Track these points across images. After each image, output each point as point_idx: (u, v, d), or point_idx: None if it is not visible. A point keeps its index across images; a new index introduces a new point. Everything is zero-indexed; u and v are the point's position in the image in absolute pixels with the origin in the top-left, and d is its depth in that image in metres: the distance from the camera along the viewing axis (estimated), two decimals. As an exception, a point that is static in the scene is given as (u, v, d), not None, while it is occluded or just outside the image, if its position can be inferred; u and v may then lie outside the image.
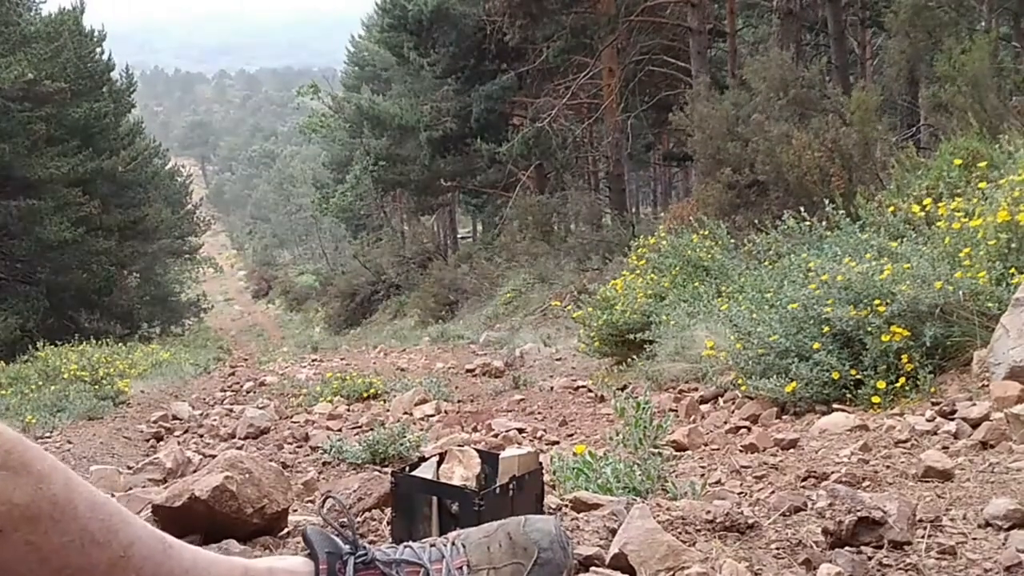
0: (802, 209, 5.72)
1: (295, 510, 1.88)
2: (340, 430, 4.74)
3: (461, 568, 1.08)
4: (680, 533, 1.50)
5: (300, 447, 4.29)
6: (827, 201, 5.47)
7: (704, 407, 4.12)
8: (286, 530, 1.61)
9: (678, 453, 3.07)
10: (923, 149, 9.02)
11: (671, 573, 1.28)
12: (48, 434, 5.11)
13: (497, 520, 1.16)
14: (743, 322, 4.15)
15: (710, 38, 15.27)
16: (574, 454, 2.43)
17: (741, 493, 2.29)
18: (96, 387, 7.53)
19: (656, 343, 5.40)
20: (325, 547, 1.06)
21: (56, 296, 18.48)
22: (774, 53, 9.91)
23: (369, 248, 27.89)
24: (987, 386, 2.84)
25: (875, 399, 3.21)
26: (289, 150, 59.90)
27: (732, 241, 6.68)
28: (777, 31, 12.70)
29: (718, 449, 3.14)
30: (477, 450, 1.59)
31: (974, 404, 2.68)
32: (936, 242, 3.94)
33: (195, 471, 2.30)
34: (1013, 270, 3.32)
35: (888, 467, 2.27)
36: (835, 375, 3.38)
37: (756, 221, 7.19)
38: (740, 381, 3.90)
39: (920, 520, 1.52)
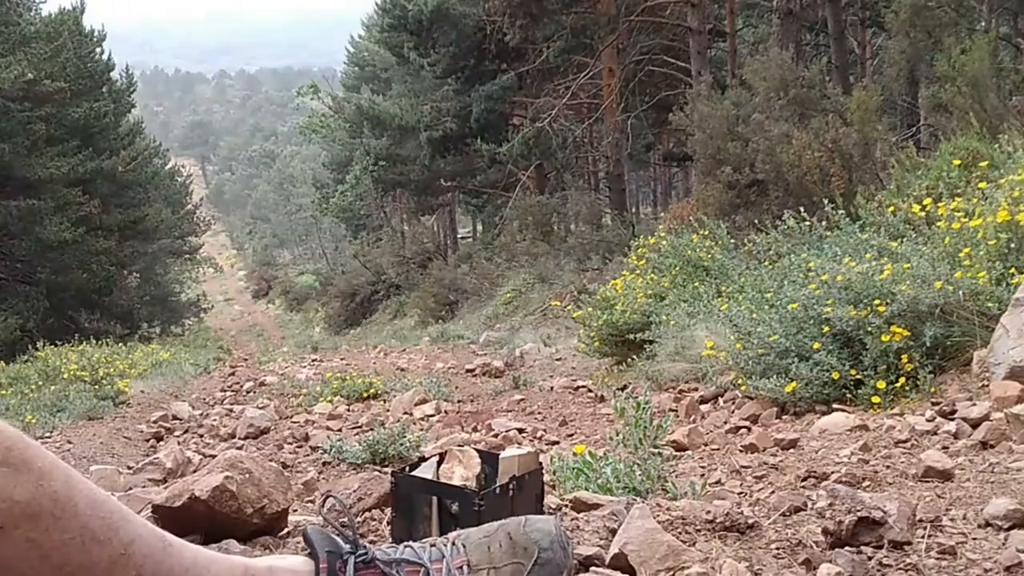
0: (802, 209, 5.72)
1: (295, 510, 1.88)
2: (340, 430, 4.74)
3: (461, 568, 1.08)
4: (680, 533, 1.50)
5: (300, 447, 4.29)
6: (827, 201, 5.47)
7: (704, 407, 4.12)
8: (286, 530, 1.61)
9: (678, 453, 3.07)
10: (923, 149, 9.02)
11: (671, 573, 1.28)
12: (48, 434, 5.11)
13: (497, 520, 1.16)
14: (743, 322, 4.15)
15: (710, 38, 15.27)
16: (574, 454, 2.43)
17: (741, 493, 2.29)
18: (96, 387, 7.53)
19: (656, 343, 5.40)
20: (326, 546, 1.06)
21: (56, 296, 18.47)
22: (774, 53, 9.91)
23: (369, 248, 27.89)
24: (987, 386, 2.84)
25: (875, 399, 3.21)
26: (289, 150, 59.91)
27: (732, 241, 6.68)
28: (777, 31, 12.69)
29: (718, 449, 3.14)
30: (477, 450, 1.59)
31: (974, 404, 2.68)
32: (936, 242, 3.94)
33: (195, 471, 2.30)
34: (1013, 270, 3.32)
35: (888, 467, 2.27)
36: (835, 375, 3.38)
37: (756, 221, 7.19)
38: (740, 381, 3.90)
39: (920, 520, 1.52)
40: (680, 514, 1.59)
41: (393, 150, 21.54)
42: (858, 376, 3.35)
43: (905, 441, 2.55)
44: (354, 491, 1.89)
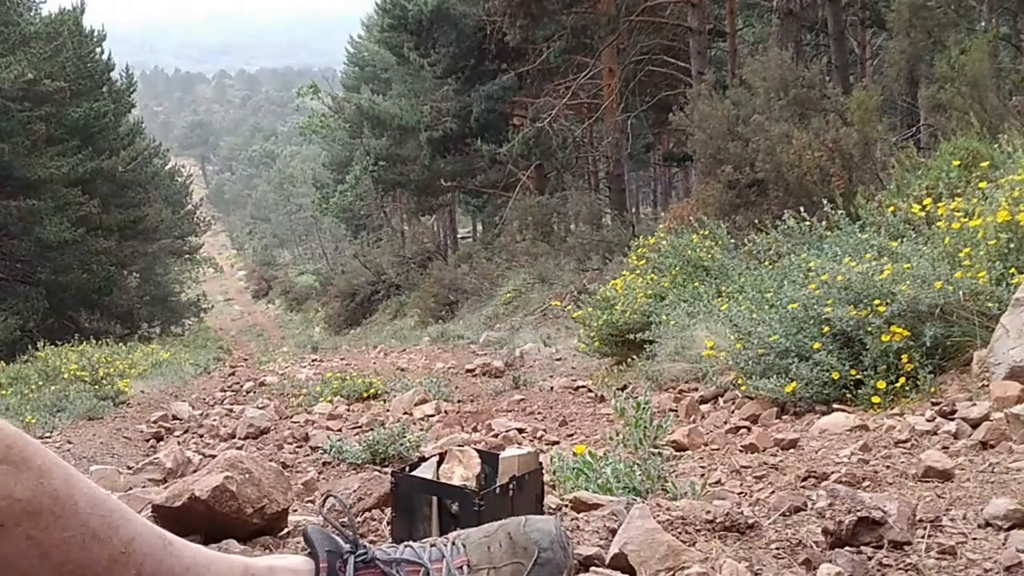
0: (802, 209, 5.73)
1: (295, 510, 1.88)
2: (340, 430, 4.74)
3: (461, 568, 1.08)
4: (680, 533, 1.50)
5: (300, 447, 4.29)
6: (827, 201, 5.47)
7: (704, 407, 4.12)
8: (286, 530, 1.61)
9: (678, 453, 3.07)
10: (923, 149, 9.02)
11: (671, 573, 1.28)
12: (48, 434, 5.11)
13: (497, 520, 1.16)
14: (743, 322, 4.15)
15: (710, 38, 15.28)
16: (574, 454, 2.43)
17: (741, 493, 2.29)
18: (96, 387, 7.53)
19: (656, 343, 5.40)
20: (326, 546, 1.06)
21: (56, 296, 18.47)
22: (774, 53, 9.91)
23: (369, 248, 27.89)
24: (987, 386, 2.84)
25: (875, 399, 3.21)
26: (289, 150, 59.91)
27: (732, 241, 6.68)
28: (777, 31, 12.69)
29: (718, 449, 3.14)
30: (477, 450, 1.59)
31: (974, 404, 2.68)
32: (936, 242, 3.94)
33: (195, 471, 2.30)
34: (1013, 270, 3.32)
35: (888, 467, 2.27)
36: (835, 375, 3.38)
37: (756, 221, 7.19)
38: (740, 381, 3.90)
39: (920, 520, 1.52)
40: (680, 514, 1.59)
41: (393, 150, 21.54)
42: (858, 376, 3.35)
43: (905, 441, 2.55)
44: (354, 491, 1.89)
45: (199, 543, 1.08)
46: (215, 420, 5.53)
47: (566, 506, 1.78)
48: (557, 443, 3.94)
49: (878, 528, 1.41)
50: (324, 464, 3.59)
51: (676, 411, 4.07)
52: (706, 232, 6.82)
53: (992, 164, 4.96)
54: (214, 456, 2.40)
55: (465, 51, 19.30)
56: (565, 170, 19.97)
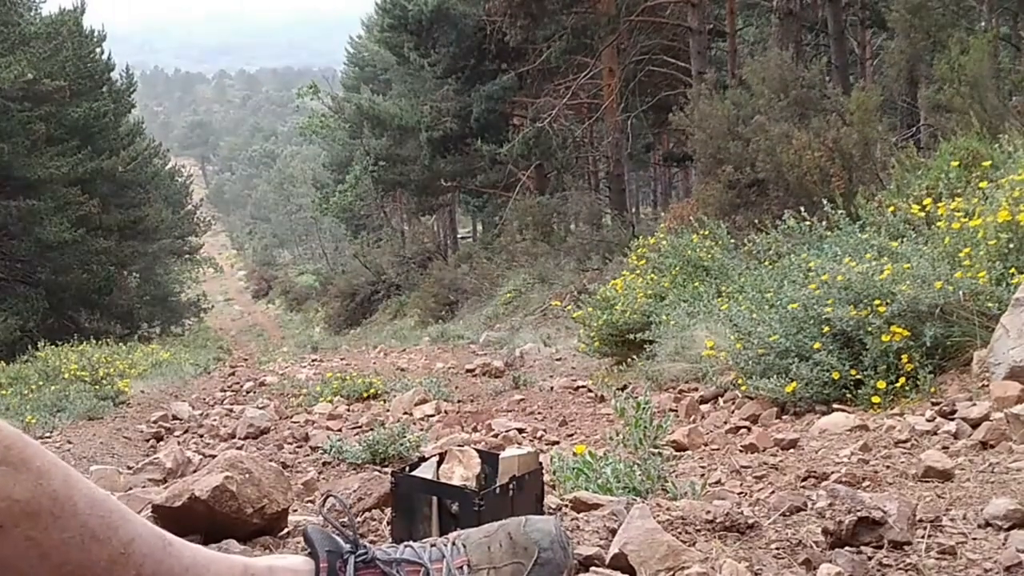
0: (802, 209, 5.73)
1: (295, 510, 1.88)
2: (340, 430, 4.74)
3: (461, 568, 1.08)
4: (680, 533, 1.50)
5: (300, 447, 4.29)
6: (827, 201, 5.47)
7: (704, 407, 4.12)
8: (286, 530, 1.61)
9: (678, 453, 3.07)
10: (923, 149, 9.01)
11: (671, 573, 1.28)
12: (48, 434, 5.11)
13: (497, 520, 1.16)
14: (743, 322, 4.15)
15: (710, 38, 15.28)
16: (574, 454, 2.43)
17: (741, 493, 2.29)
18: (96, 387, 7.53)
19: (656, 343, 5.40)
20: (326, 546, 1.06)
21: (56, 296, 18.47)
22: (774, 53, 9.91)
23: (369, 248, 27.89)
24: (987, 386, 2.84)
25: (875, 399, 3.21)
26: (289, 150, 59.91)
27: (732, 241, 6.68)
28: (777, 31, 12.69)
29: (718, 449, 3.14)
30: (477, 450, 1.59)
31: (974, 404, 2.68)
32: (936, 242, 3.94)
33: (195, 471, 2.30)
34: (1013, 270, 3.32)
35: (888, 467, 2.27)
36: (835, 375, 3.38)
37: (756, 221, 7.19)
38: (740, 381, 3.90)
39: (920, 520, 1.52)
40: (680, 514, 1.59)
41: (393, 150, 21.54)
42: (858, 376, 3.35)
43: (905, 441, 2.55)
44: (354, 491, 1.89)
45: (199, 543, 1.08)
46: (215, 420, 5.53)
47: (566, 506, 1.78)
48: (557, 443, 3.94)
49: (878, 528, 1.41)
50: (324, 464, 3.59)
51: (676, 411, 4.07)
52: (706, 232, 6.82)
53: (992, 164, 4.96)
54: (214, 456, 2.40)
55: (465, 51, 19.31)
56: (565, 170, 19.97)
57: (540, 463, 1.61)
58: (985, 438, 2.31)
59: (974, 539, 1.46)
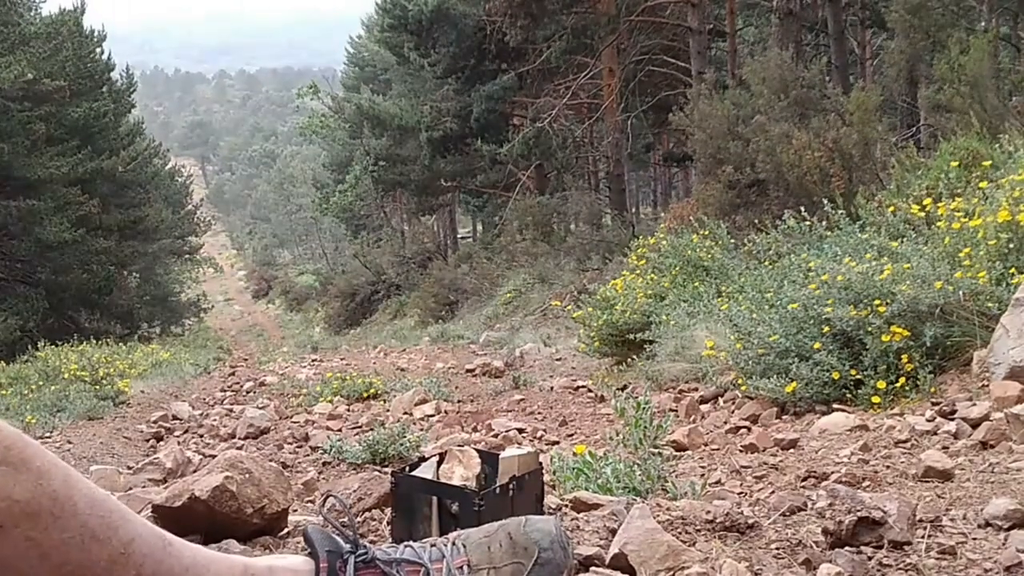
0: (802, 209, 5.73)
1: (295, 510, 1.88)
2: (340, 430, 4.74)
3: (461, 568, 1.08)
4: (680, 533, 1.50)
5: (300, 447, 4.29)
6: (827, 201, 5.47)
7: (704, 407, 4.12)
8: (286, 530, 1.61)
9: (678, 453, 3.07)
10: (923, 149, 9.02)
11: (671, 573, 1.28)
12: (48, 434, 5.11)
13: (497, 520, 1.16)
14: (743, 322, 4.15)
15: (710, 38, 15.28)
16: (574, 454, 2.43)
17: (741, 493, 2.29)
18: (96, 387, 7.53)
19: (656, 343, 5.40)
20: (326, 546, 1.06)
21: (56, 296, 18.47)
22: (774, 53, 9.91)
23: (369, 248, 27.89)
24: (987, 386, 2.84)
25: (875, 399, 3.21)
26: (289, 150, 59.91)
27: (732, 241, 6.68)
28: (777, 31, 12.69)
29: (718, 449, 3.14)
30: (477, 450, 1.59)
31: (974, 404, 2.68)
32: (936, 242, 3.94)
33: (195, 471, 2.30)
34: (1013, 270, 3.32)
35: (888, 467, 2.27)
36: (835, 375, 3.38)
37: (756, 221, 7.19)
38: (740, 381, 3.90)
39: (920, 520, 1.52)
40: (680, 514, 1.59)
41: (393, 150, 21.54)
42: (858, 376, 3.35)
43: (905, 441, 2.55)
44: (354, 491, 1.89)
45: (199, 543, 1.08)
46: (215, 420, 5.53)
47: (566, 506, 1.78)
48: (557, 443, 3.94)
49: (878, 528, 1.41)
50: (324, 464, 3.59)
51: (676, 411, 4.07)
52: (706, 232, 6.82)
53: (992, 164, 4.96)
54: (214, 456, 2.40)
55: (465, 51, 19.30)
56: (565, 170, 19.97)
57: (540, 463, 1.61)
58: (985, 438, 2.31)
59: (974, 539, 1.46)
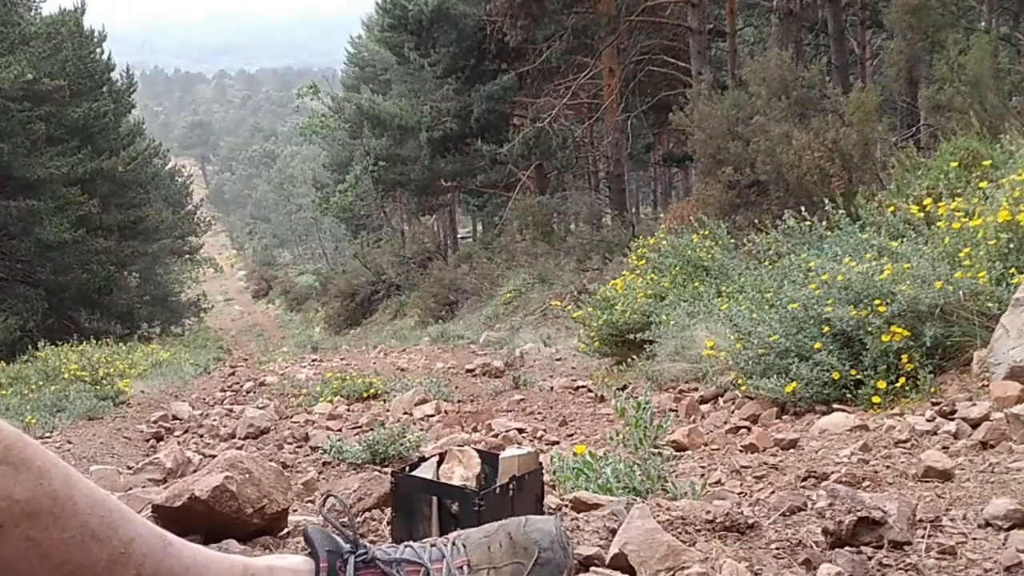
0: (802, 209, 5.73)
1: (295, 510, 1.88)
2: (340, 430, 4.74)
3: (462, 568, 1.08)
4: (680, 533, 1.50)
5: (300, 447, 4.29)
6: (827, 201, 5.47)
7: (704, 407, 4.12)
8: (286, 530, 1.61)
9: (678, 453, 3.07)
10: (923, 149, 9.01)
11: (671, 573, 1.28)
12: (48, 434, 5.11)
13: (497, 520, 1.16)
14: (743, 322, 4.15)
15: (710, 38, 15.28)
16: (574, 454, 2.43)
17: (741, 493, 2.29)
18: (96, 387, 7.53)
19: (656, 343, 5.40)
20: (326, 546, 1.06)
21: (56, 296, 18.47)
22: (774, 53, 9.90)
23: (369, 248, 27.88)
24: (987, 386, 2.84)
25: (875, 399, 3.21)
26: (289, 150, 59.91)
27: (732, 241, 6.68)
28: (777, 31, 12.69)
29: (718, 449, 3.14)
30: (477, 450, 1.59)
31: (974, 404, 2.68)
32: (936, 242, 3.94)
33: (195, 471, 2.30)
34: (1013, 270, 3.32)
35: (888, 467, 2.27)
36: (835, 375, 3.38)
37: (756, 221, 7.19)
38: (740, 381, 3.90)
39: (920, 520, 1.52)
40: (680, 514, 1.59)
41: (393, 150, 21.54)
42: (858, 376, 3.35)
43: (905, 441, 2.55)
44: (354, 491, 1.89)
45: (199, 543, 1.08)
46: (215, 420, 5.53)
47: (566, 506, 1.78)
48: (557, 443, 3.94)
49: (878, 528, 1.41)
50: (324, 464, 3.59)
51: (676, 411, 4.07)
52: (706, 232, 6.82)
53: (992, 164, 4.96)
54: (214, 456, 2.40)
55: (465, 51, 19.30)
56: (565, 170, 19.97)
57: (540, 463, 1.61)
58: (985, 438, 2.31)
59: (974, 539, 1.46)
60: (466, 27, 18.84)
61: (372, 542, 1.54)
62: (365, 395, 6.06)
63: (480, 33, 18.17)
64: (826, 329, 3.54)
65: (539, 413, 4.98)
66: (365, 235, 30.78)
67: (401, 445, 3.45)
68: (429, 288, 19.11)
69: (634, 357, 5.68)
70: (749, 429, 3.42)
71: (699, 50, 14.10)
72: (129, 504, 1.14)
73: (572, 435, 4.17)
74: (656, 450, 2.27)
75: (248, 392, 7.24)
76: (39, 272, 18.37)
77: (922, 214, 4.55)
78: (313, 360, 10.72)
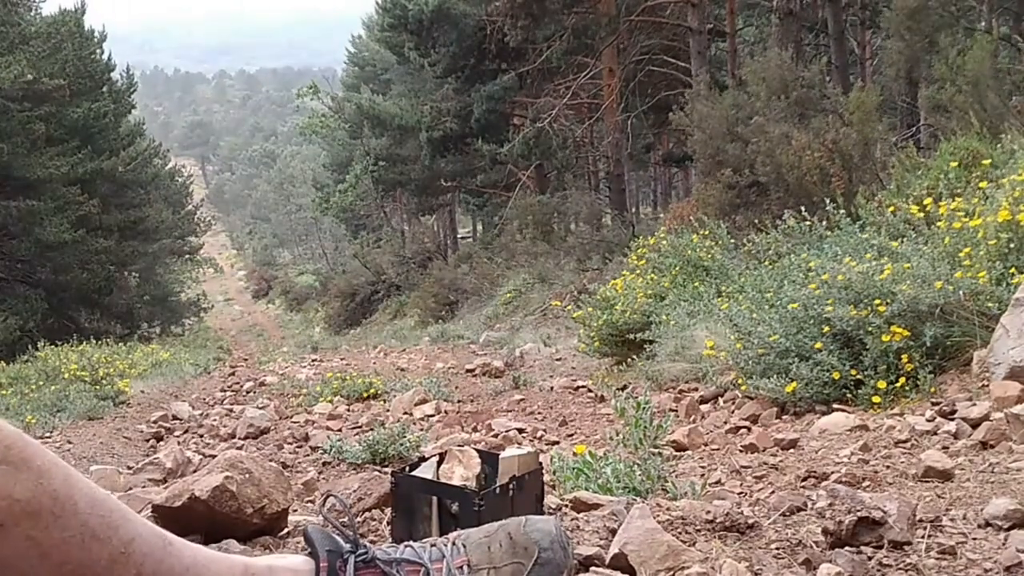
0: (802, 209, 5.73)
1: (295, 510, 1.88)
2: (340, 430, 4.74)
3: (462, 567, 1.08)
4: (680, 533, 1.50)
5: (300, 447, 4.29)
6: (827, 201, 5.47)
7: (704, 407, 4.12)
8: (286, 530, 1.61)
9: (678, 453, 3.07)
10: (923, 149, 9.01)
11: (671, 573, 1.28)
12: (48, 434, 5.11)
13: (497, 520, 1.16)
14: (743, 322, 4.15)
15: (710, 38, 15.28)
16: (574, 454, 2.43)
17: (741, 493, 2.29)
18: (96, 387, 7.53)
19: (656, 343, 5.40)
20: (326, 545, 1.06)
21: (56, 296, 18.47)
22: (774, 53, 9.90)
23: (369, 248, 27.88)
24: (987, 386, 2.84)
25: (875, 399, 3.21)
26: (289, 150, 59.90)
27: (732, 241, 6.68)
28: (777, 31, 12.69)
29: (718, 449, 3.14)
30: (477, 450, 1.59)
31: (974, 404, 2.68)
32: (936, 242, 3.94)
33: (195, 471, 2.30)
34: (1013, 270, 3.32)
35: (888, 467, 2.27)
36: (835, 375, 3.38)
37: (756, 221, 7.19)
38: (740, 381, 3.90)
39: (920, 520, 1.52)
40: (680, 514, 1.59)
41: (393, 150, 21.54)
42: (858, 376, 3.35)
43: (905, 441, 2.55)
44: (354, 491, 1.89)
45: (199, 543, 1.08)
46: (215, 420, 5.53)
47: (566, 506, 1.78)
48: (557, 443, 3.94)
49: (878, 528, 1.41)
50: (324, 464, 3.59)
51: (676, 411, 4.07)
52: (706, 232, 6.82)
53: (992, 163, 4.96)
54: (214, 456, 2.40)
55: (465, 51, 19.30)
56: (565, 170, 19.97)
57: (540, 463, 1.61)
58: (985, 438, 2.32)
59: (974, 539, 1.46)
60: (466, 27, 18.84)
61: (372, 542, 1.54)
62: (365, 395, 6.06)
63: (480, 33, 18.17)
64: (826, 329, 3.54)
65: (539, 413, 4.98)
66: (365, 235, 30.79)
67: (401, 445, 3.45)
68: (429, 288, 19.12)
69: (634, 357, 5.68)
70: (749, 429, 3.42)
71: (699, 50, 14.10)
72: (129, 504, 1.14)
73: (572, 435, 4.17)
74: (656, 450, 2.27)
75: (248, 392, 7.24)
76: (39, 272, 18.37)
77: (922, 214, 4.55)
78: (313, 360, 10.72)
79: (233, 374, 9.33)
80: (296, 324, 31.36)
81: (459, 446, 1.65)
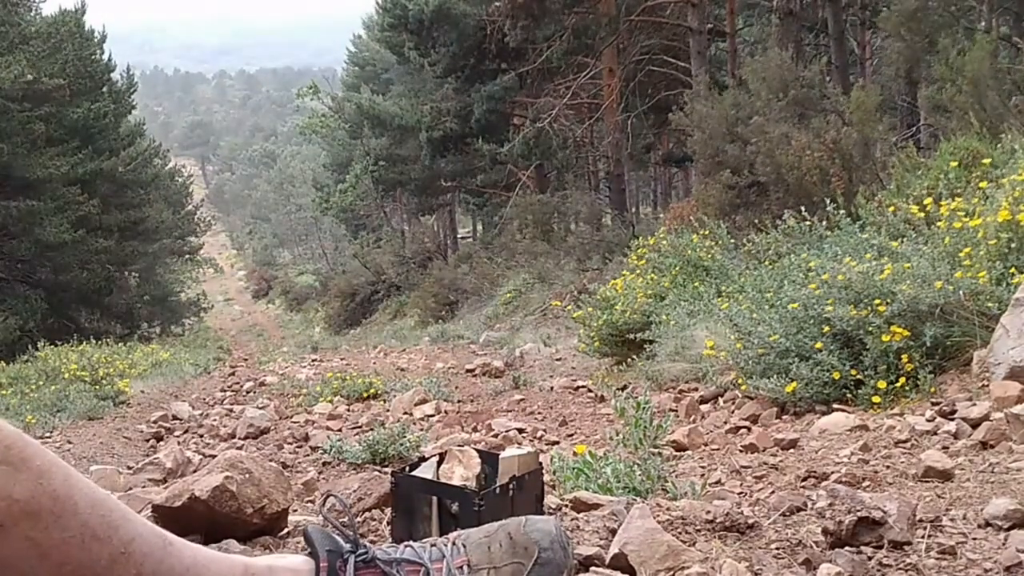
0: (802, 209, 5.73)
1: (295, 510, 1.88)
2: (340, 430, 4.74)
3: (462, 567, 1.08)
4: (680, 533, 1.50)
5: (300, 447, 4.29)
6: (827, 201, 5.47)
7: (704, 407, 4.12)
8: (286, 530, 1.61)
9: (678, 453, 3.07)
10: (923, 149, 9.02)
11: (671, 573, 1.28)
12: (48, 434, 5.11)
13: (497, 520, 1.16)
14: (743, 322, 4.15)
15: (710, 38, 15.28)
16: (574, 454, 2.43)
17: (741, 493, 2.29)
18: (96, 387, 7.53)
19: (656, 343, 5.40)
20: (326, 545, 1.06)
21: (56, 296, 18.47)
22: (774, 53, 9.90)
23: (369, 248, 27.88)
24: (987, 386, 2.84)
25: (875, 399, 3.21)
26: (289, 150, 59.88)
27: (732, 241, 6.68)
28: (777, 31, 12.69)
29: (718, 449, 3.14)
30: (477, 450, 1.59)
31: (974, 404, 2.68)
32: (936, 242, 3.94)
33: (195, 471, 2.30)
34: (1013, 270, 3.32)
35: (888, 467, 2.27)
36: (835, 375, 3.38)
37: (756, 221, 7.18)
38: (740, 381, 3.90)
39: (920, 520, 1.52)
40: (680, 514, 1.59)
41: (393, 150, 21.54)
42: (858, 376, 3.35)
43: (905, 441, 2.55)
44: (354, 491, 1.89)
45: (199, 543, 1.08)
46: (215, 420, 5.53)
47: (566, 506, 1.78)
48: (557, 443, 3.94)
49: (878, 528, 1.40)
50: (324, 464, 3.59)
51: (676, 411, 4.07)
52: (706, 232, 6.82)
53: (992, 163, 4.96)
54: (214, 456, 2.40)
55: (465, 51, 19.30)
56: (565, 170, 19.98)
57: (540, 463, 1.61)
58: (985, 438, 2.31)
59: (974, 539, 1.46)
60: (466, 27, 18.84)
61: (372, 542, 1.54)
62: (365, 395, 6.06)
63: (480, 33, 18.17)
64: (826, 329, 3.54)
65: (539, 413, 4.98)
66: (365, 235, 30.78)
67: (401, 445, 3.45)
68: (429, 288, 19.12)
69: (634, 357, 5.68)
70: (749, 429, 3.42)
71: (699, 50, 14.10)
72: (129, 504, 1.14)
73: (572, 435, 4.17)
74: (656, 450, 2.27)
75: (248, 392, 7.24)
76: (39, 272, 18.38)
77: (922, 214, 4.55)
78: (313, 360, 10.72)
79: (233, 374, 9.33)
80: (296, 324, 31.36)
81: (459, 446, 1.65)
